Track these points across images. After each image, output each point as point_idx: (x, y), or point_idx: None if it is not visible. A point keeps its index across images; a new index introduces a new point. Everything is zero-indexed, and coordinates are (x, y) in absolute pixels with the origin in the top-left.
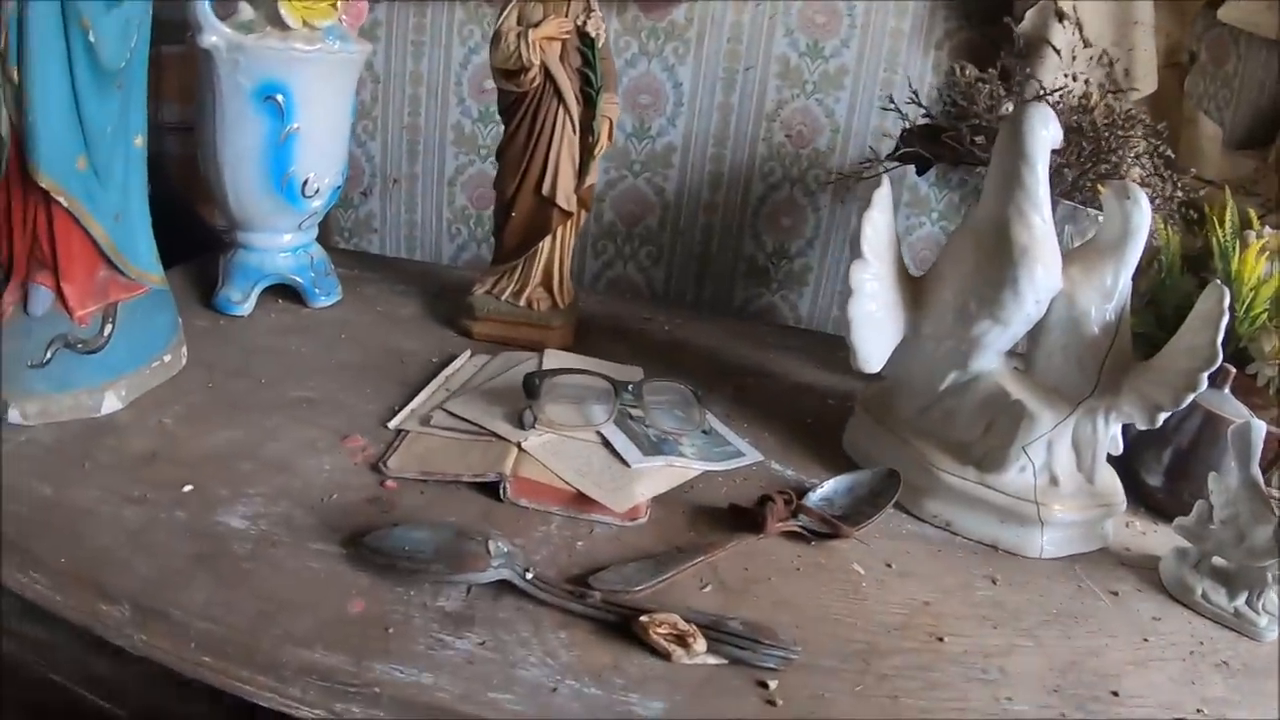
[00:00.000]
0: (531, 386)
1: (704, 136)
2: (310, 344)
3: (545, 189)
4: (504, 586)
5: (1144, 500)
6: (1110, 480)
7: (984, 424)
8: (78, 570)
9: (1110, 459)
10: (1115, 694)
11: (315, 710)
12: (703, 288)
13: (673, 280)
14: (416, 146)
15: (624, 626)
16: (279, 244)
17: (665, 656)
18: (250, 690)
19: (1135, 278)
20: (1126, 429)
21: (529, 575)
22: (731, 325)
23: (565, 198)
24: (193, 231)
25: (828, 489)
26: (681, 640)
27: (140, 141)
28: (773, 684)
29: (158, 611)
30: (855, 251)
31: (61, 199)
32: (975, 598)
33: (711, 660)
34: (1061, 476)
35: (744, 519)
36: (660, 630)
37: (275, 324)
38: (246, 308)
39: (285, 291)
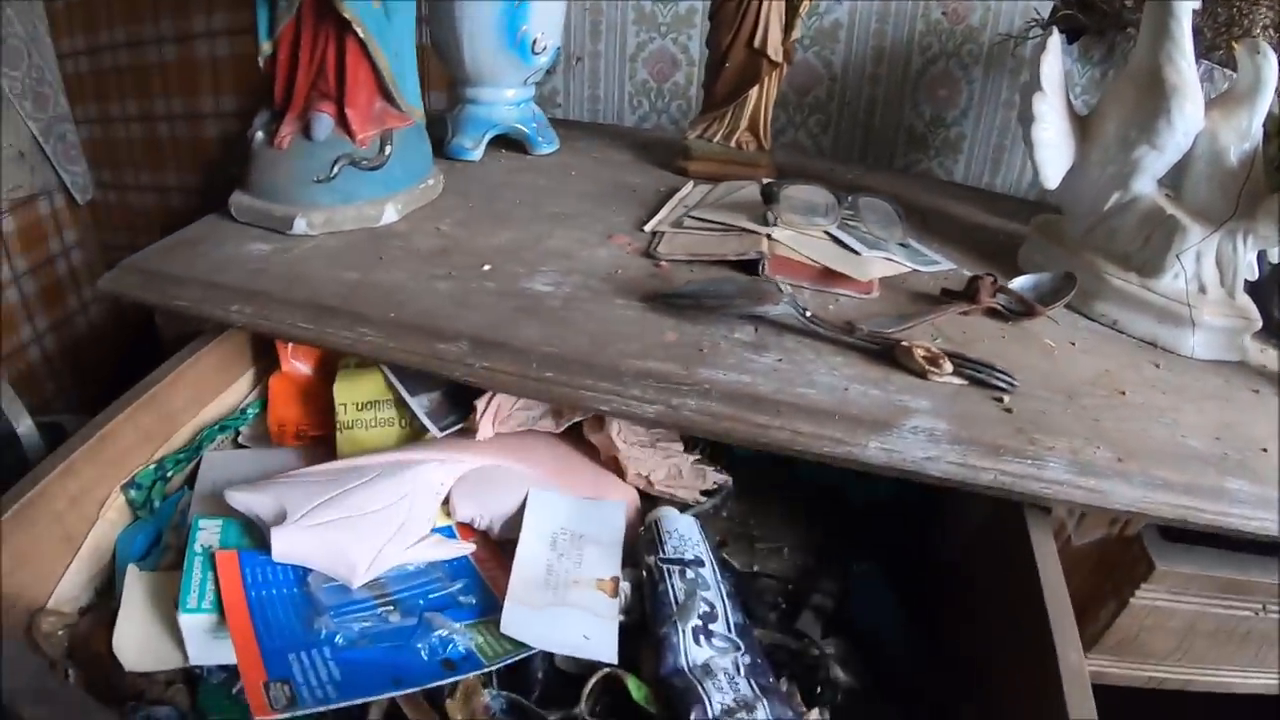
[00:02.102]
0: (770, 193)
1: (867, 13)
2: (546, 179)
3: (756, 42)
4: (783, 328)
5: (1277, 334)
6: (1248, 302)
7: (1143, 237)
8: (408, 322)
9: (1247, 289)
10: (1265, 450)
11: (654, 405)
12: (866, 153)
13: (840, 146)
14: (599, 26)
15: (885, 355)
16: (504, 98)
17: (921, 375)
18: (593, 396)
19: (1265, 142)
20: (1261, 260)
21: (807, 314)
22: (902, 178)
23: (774, 49)
24: None
25: (1016, 284)
26: (934, 361)
27: None
28: (1005, 399)
29: (496, 344)
30: (1035, 86)
31: (359, 30)
32: (1145, 374)
33: (956, 381)
34: (1209, 286)
35: (956, 297)
36: (919, 353)
37: (507, 166)
38: (478, 154)
39: (507, 144)
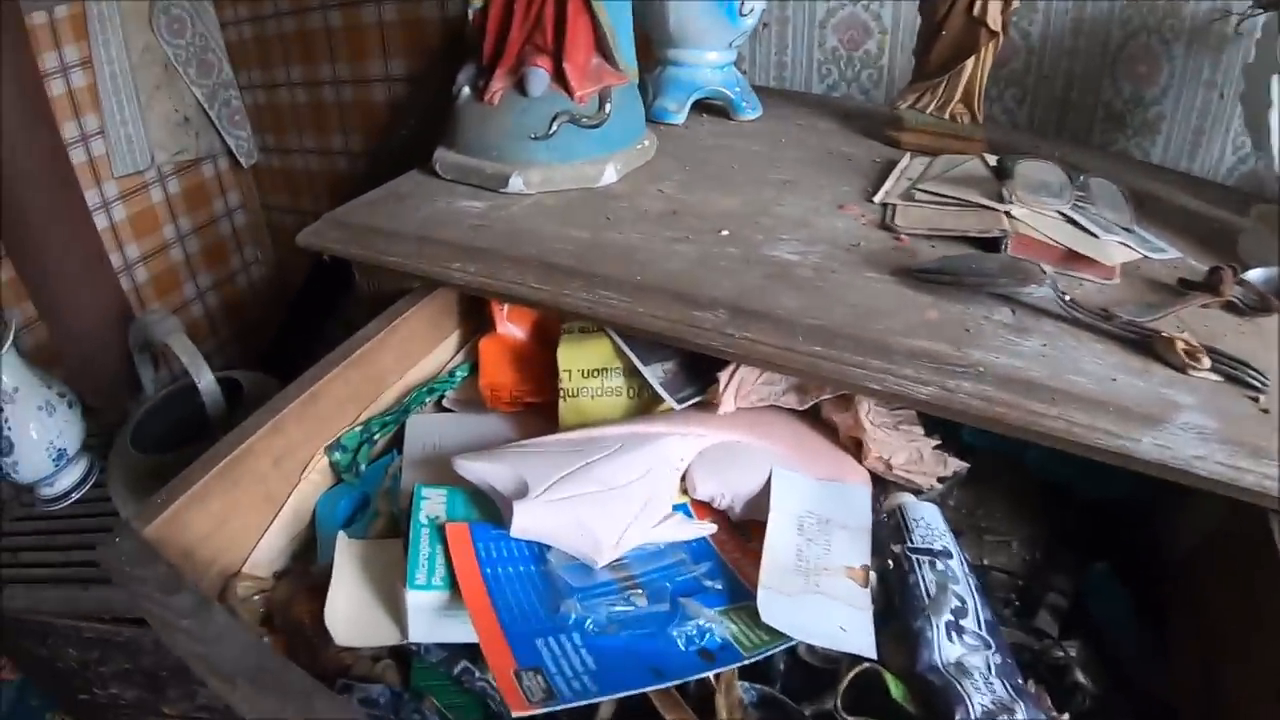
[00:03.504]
0: (1005, 169)
1: None
2: (757, 145)
3: (976, 10)
4: (1039, 311)
5: None
6: None
7: None
8: (655, 286)
9: None
10: None
11: (928, 387)
12: (1063, 130)
13: (1035, 122)
14: None
15: (1142, 346)
16: (707, 60)
17: (1181, 369)
18: (864, 374)
19: None
20: None
21: (1067, 298)
22: (1103, 157)
23: (994, 18)
24: None
25: (1251, 278)
26: (1194, 355)
27: None
28: (1261, 398)
29: (757, 313)
30: (1275, 68)
31: None
32: None
33: (1213, 377)
34: None
35: (1195, 288)
36: (1180, 345)
37: (713, 131)
38: (681, 117)
39: (706, 109)
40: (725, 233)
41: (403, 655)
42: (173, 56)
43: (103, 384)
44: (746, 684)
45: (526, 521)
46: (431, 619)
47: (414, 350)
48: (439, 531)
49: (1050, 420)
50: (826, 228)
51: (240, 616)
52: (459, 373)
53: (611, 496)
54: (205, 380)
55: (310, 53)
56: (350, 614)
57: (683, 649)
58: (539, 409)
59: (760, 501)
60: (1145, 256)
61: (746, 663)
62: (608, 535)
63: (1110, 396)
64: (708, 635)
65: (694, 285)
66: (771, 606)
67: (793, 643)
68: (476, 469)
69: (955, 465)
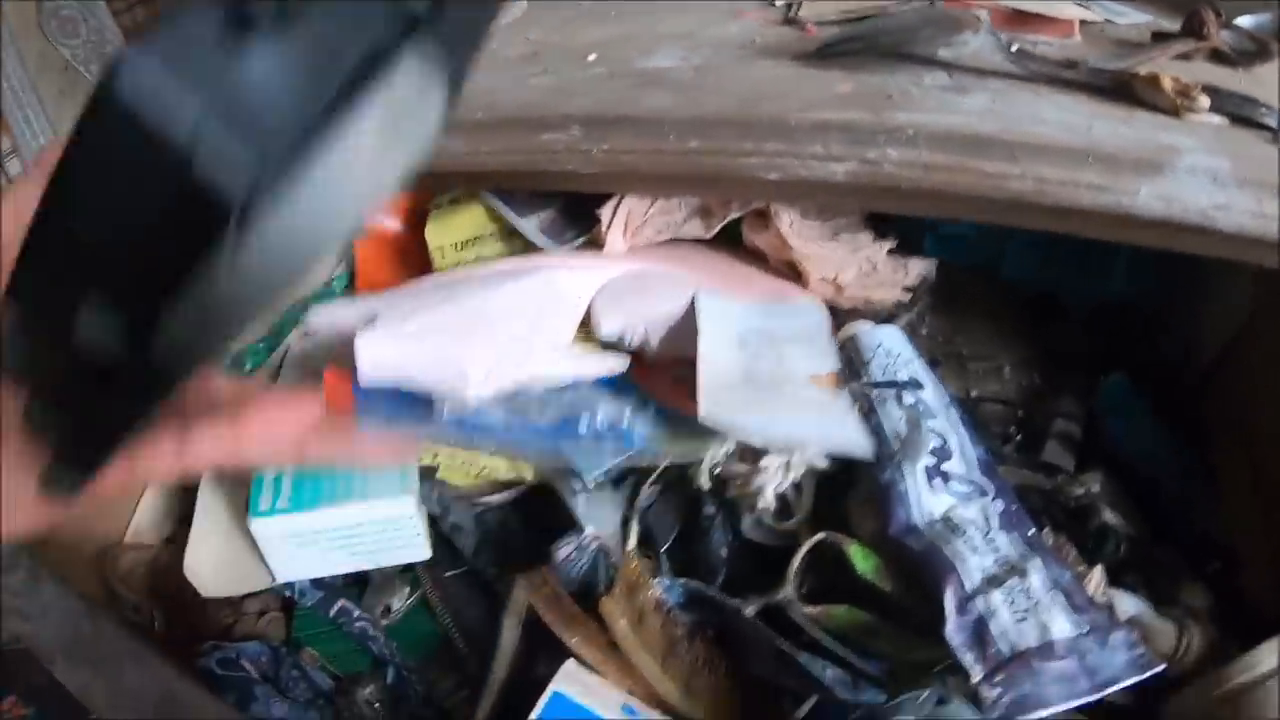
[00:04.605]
0: None
1: None
2: None
3: None
4: (984, 72)
5: None
6: None
7: None
8: (501, 118)
9: None
10: None
11: (843, 164)
12: None
13: None
14: None
15: (1120, 93)
16: None
17: (1173, 112)
18: (758, 161)
19: None
20: None
21: (1014, 48)
22: None
23: None
24: None
25: (1241, 22)
26: (1186, 94)
27: None
28: None
29: (618, 120)
30: None
31: None
32: None
33: (1215, 119)
34: None
35: (1172, 38)
36: (1168, 83)
37: None
38: None
39: None
40: (592, 57)
41: (290, 608)
42: (71, 57)
43: None
44: (669, 580)
45: (374, 354)
46: (291, 550)
47: None
48: None
49: (1014, 181)
50: (716, 34)
51: (124, 591)
52: (337, 283)
53: (484, 328)
54: None
55: None
56: (215, 561)
57: (587, 436)
58: None
59: (683, 331)
60: (1108, 20)
61: (668, 462)
62: (477, 364)
63: (1089, 145)
64: (621, 431)
65: (545, 109)
66: (714, 405)
67: (727, 448)
68: (324, 318)
69: (919, 268)
